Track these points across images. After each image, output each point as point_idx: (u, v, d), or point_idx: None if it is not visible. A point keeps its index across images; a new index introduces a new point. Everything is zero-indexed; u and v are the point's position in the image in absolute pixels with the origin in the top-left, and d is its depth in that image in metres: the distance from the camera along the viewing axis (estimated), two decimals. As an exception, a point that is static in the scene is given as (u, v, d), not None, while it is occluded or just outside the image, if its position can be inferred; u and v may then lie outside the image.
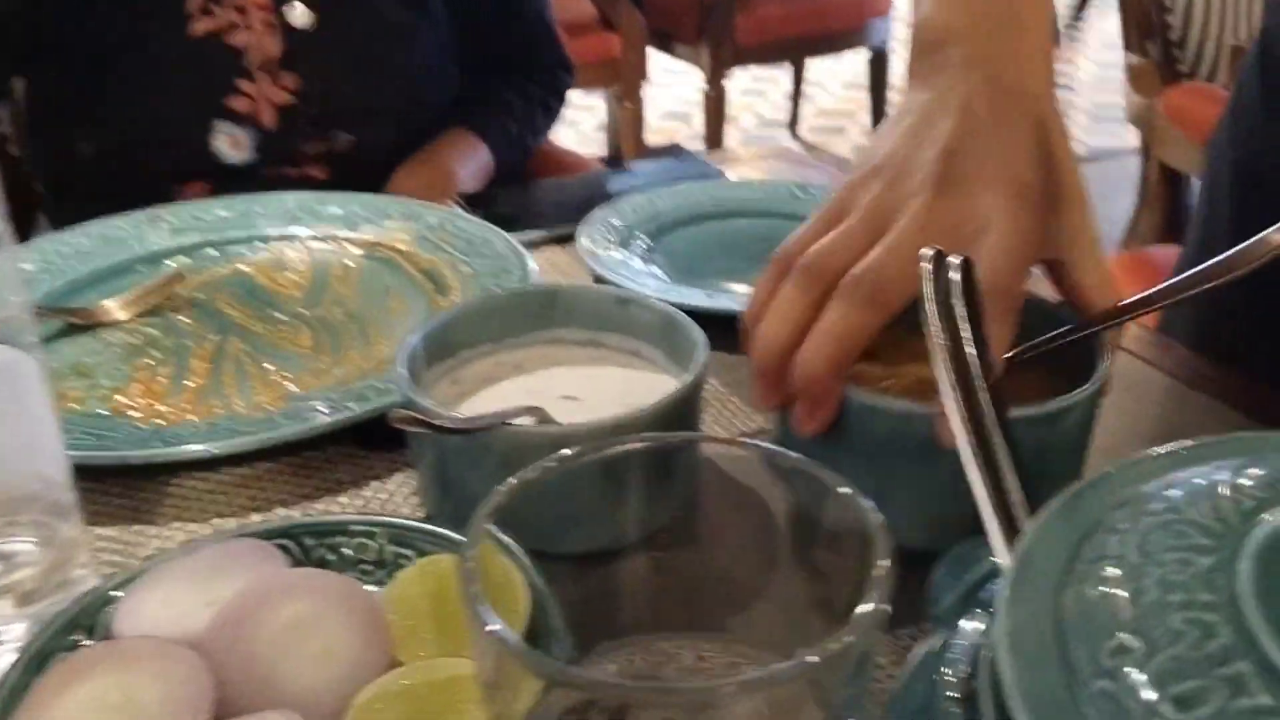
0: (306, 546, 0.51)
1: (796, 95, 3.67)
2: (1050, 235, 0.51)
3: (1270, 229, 0.50)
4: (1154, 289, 0.52)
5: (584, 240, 0.78)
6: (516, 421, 0.52)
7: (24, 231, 1.16)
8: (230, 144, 1.04)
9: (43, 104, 1.11)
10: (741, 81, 3.92)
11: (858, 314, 0.47)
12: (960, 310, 0.42)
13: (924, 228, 0.48)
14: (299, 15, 1.03)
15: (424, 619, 0.46)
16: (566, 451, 0.37)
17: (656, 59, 3.13)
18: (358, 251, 0.81)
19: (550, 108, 1.26)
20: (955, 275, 0.42)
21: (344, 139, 1.06)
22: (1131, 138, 3.49)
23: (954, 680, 0.36)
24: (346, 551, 0.51)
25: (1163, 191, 1.67)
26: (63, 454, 0.49)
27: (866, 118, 3.46)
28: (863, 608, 0.29)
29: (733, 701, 0.27)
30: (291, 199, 0.86)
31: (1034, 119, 0.52)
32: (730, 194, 0.87)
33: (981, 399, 0.40)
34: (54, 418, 0.49)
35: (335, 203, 0.85)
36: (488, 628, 0.28)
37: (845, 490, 0.34)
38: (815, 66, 3.75)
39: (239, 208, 0.85)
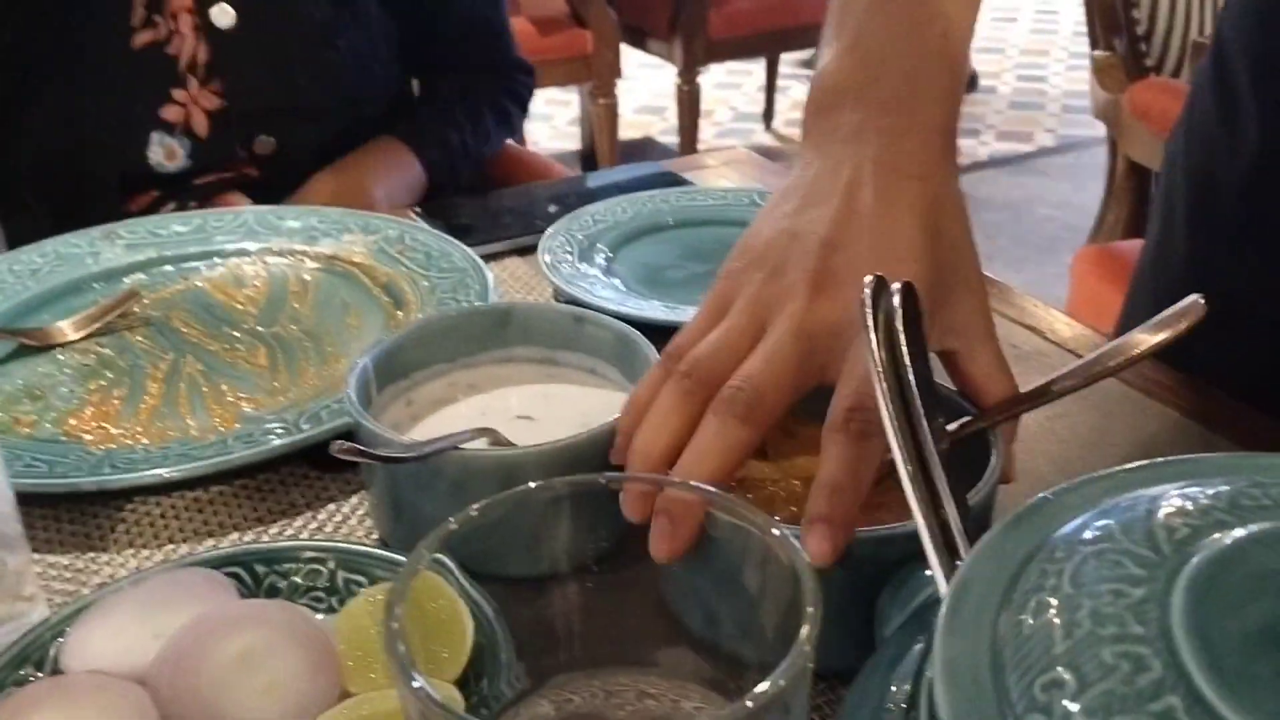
0: (258, 574, 0.51)
1: (770, 89, 3.68)
2: (940, 327, 0.49)
3: (1139, 328, 0.50)
4: (1044, 381, 0.51)
5: (544, 255, 0.77)
6: (468, 445, 0.52)
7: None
8: (165, 154, 1.03)
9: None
10: (716, 76, 3.92)
11: (734, 430, 0.45)
12: (899, 338, 0.42)
13: (799, 333, 0.47)
14: (221, 15, 1.02)
15: (374, 649, 0.46)
16: (499, 497, 0.37)
17: (630, 55, 3.13)
18: (315, 265, 0.80)
19: (508, 113, 1.22)
20: (896, 300, 0.42)
21: (268, 142, 1.05)
22: (1104, 128, 3.52)
23: (894, 710, 0.36)
24: (297, 579, 0.51)
25: (1129, 185, 1.68)
26: (7, 487, 0.48)
27: (840, 111, 3.46)
28: (788, 660, 0.28)
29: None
30: (250, 213, 0.85)
31: (926, 203, 0.50)
32: (691, 203, 0.87)
33: (921, 428, 0.40)
34: None
35: (293, 216, 0.85)
36: (414, 684, 0.28)
37: (776, 532, 0.34)
38: (789, 60, 3.75)
39: (195, 223, 0.84)
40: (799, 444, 0.52)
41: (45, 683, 0.45)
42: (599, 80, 2.91)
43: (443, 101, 1.17)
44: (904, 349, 0.41)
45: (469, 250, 0.78)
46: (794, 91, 3.90)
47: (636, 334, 0.58)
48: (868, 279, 0.42)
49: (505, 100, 1.21)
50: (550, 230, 0.81)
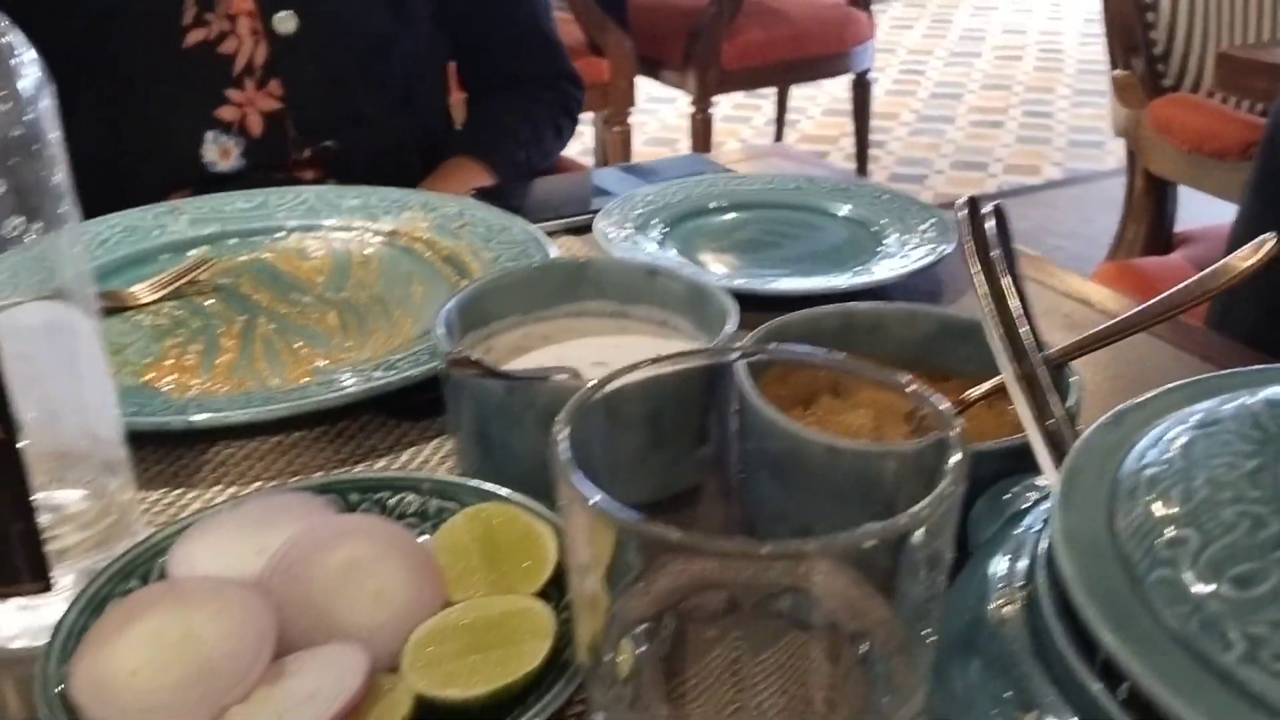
0: (351, 503, 0.52)
1: (780, 120, 3.72)
2: None
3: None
4: (1129, 314, 0.52)
5: (601, 225, 0.79)
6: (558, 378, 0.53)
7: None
8: (219, 153, 1.05)
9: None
10: (723, 109, 3.97)
11: None
12: (996, 254, 0.44)
13: None
14: (284, 21, 1.04)
15: (474, 562, 0.47)
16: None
17: (642, 85, 3.17)
18: (378, 240, 0.82)
19: (561, 129, 1.24)
20: (991, 223, 0.44)
21: (329, 146, 1.07)
22: (1110, 160, 3.55)
23: (1008, 588, 0.37)
24: (390, 505, 0.52)
25: (1148, 204, 1.71)
26: (116, 412, 0.50)
27: (849, 143, 3.50)
28: (943, 483, 0.30)
29: (825, 561, 0.29)
30: (310, 192, 0.88)
31: None
32: (739, 187, 0.89)
33: (1023, 334, 0.42)
34: (109, 377, 0.49)
35: (352, 195, 0.87)
36: (591, 501, 0.29)
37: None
38: (798, 92, 3.80)
39: (258, 200, 0.86)
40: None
41: (160, 585, 0.46)
42: (614, 108, 2.95)
43: (503, 121, 1.19)
44: (1001, 267, 0.43)
45: (528, 224, 0.80)
46: (803, 125, 3.95)
47: (711, 285, 0.60)
48: (961, 201, 0.44)
49: (560, 114, 1.23)
50: (605, 209, 0.83)
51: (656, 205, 0.85)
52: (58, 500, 0.48)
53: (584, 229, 0.84)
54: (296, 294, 0.75)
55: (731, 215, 0.86)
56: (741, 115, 4.12)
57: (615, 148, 3.02)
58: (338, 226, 0.84)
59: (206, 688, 0.41)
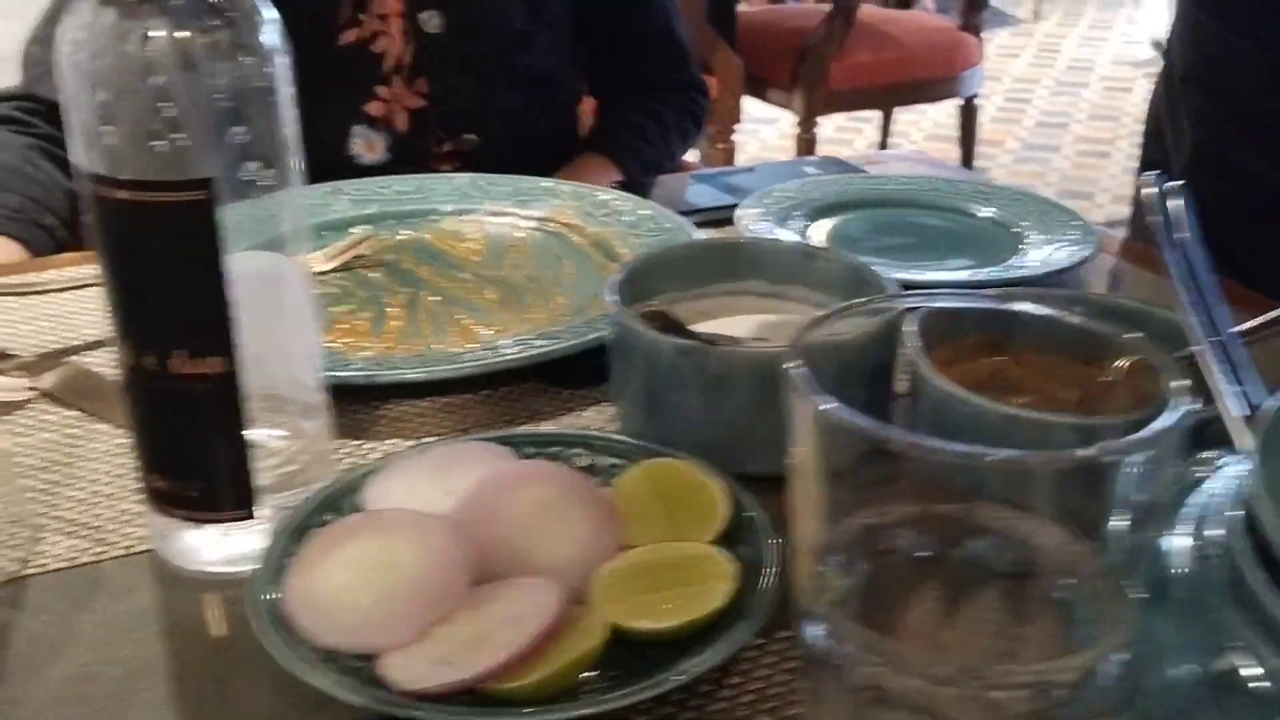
0: (526, 454, 0.55)
1: (884, 143, 3.71)
2: None
3: None
4: None
5: (743, 221, 0.81)
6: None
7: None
8: (365, 147, 1.09)
9: None
10: (826, 130, 3.97)
11: None
12: (1185, 233, 0.45)
13: None
14: (430, 20, 1.08)
15: (650, 511, 0.49)
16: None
17: (745, 104, 3.19)
18: (529, 224, 0.85)
19: (687, 133, 1.27)
20: (1177, 201, 0.45)
21: (470, 140, 1.11)
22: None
23: (1198, 545, 0.38)
24: (562, 460, 0.54)
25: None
26: (319, 360, 0.53)
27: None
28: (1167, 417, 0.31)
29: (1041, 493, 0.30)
30: (463, 178, 0.91)
31: None
32: (878, 186, 0.91)
33: (1212, 303, 0.43)
34: (315, 327, 0.52)
35: (503, 182, 0.90)
36: (822, 406, 0.31)
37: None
38: (902, 116, 3.79)
39: (414, 184, 0.90)
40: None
41: (361, 515, 0.49)
42: (720, 125, 2.97)
43: (632, 121, 1.22)
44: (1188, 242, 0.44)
45: (674, 214, 0.83)
46: (905, 149, 3.93)
47: (869, 267, 0.62)
48: (1147, 176, 0.45)
49: (686, 118, 1.26)
50: (745, 201, 0.85)
51: (796, 199, 0.87)
52: (259, 439, 0.52)
53: (722, 222, 0.86)
54: (455, 271, 0.78)
55: (870, 212, 0.87)
56: (844, 137, 4.12)
57: (717, 164, 3.04)
58: (490, 211, 0.87)
59: (411, 606, 0.44)
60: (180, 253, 0.45)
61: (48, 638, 0.47)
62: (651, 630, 0.43)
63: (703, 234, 0.79)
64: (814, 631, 0.33)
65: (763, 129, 4.01)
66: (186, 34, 0.42)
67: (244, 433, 0.48)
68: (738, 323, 0.64)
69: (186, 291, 0.45)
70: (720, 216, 0.88)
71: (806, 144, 3.14)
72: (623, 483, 0.51)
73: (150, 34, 0.42)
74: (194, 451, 0.48)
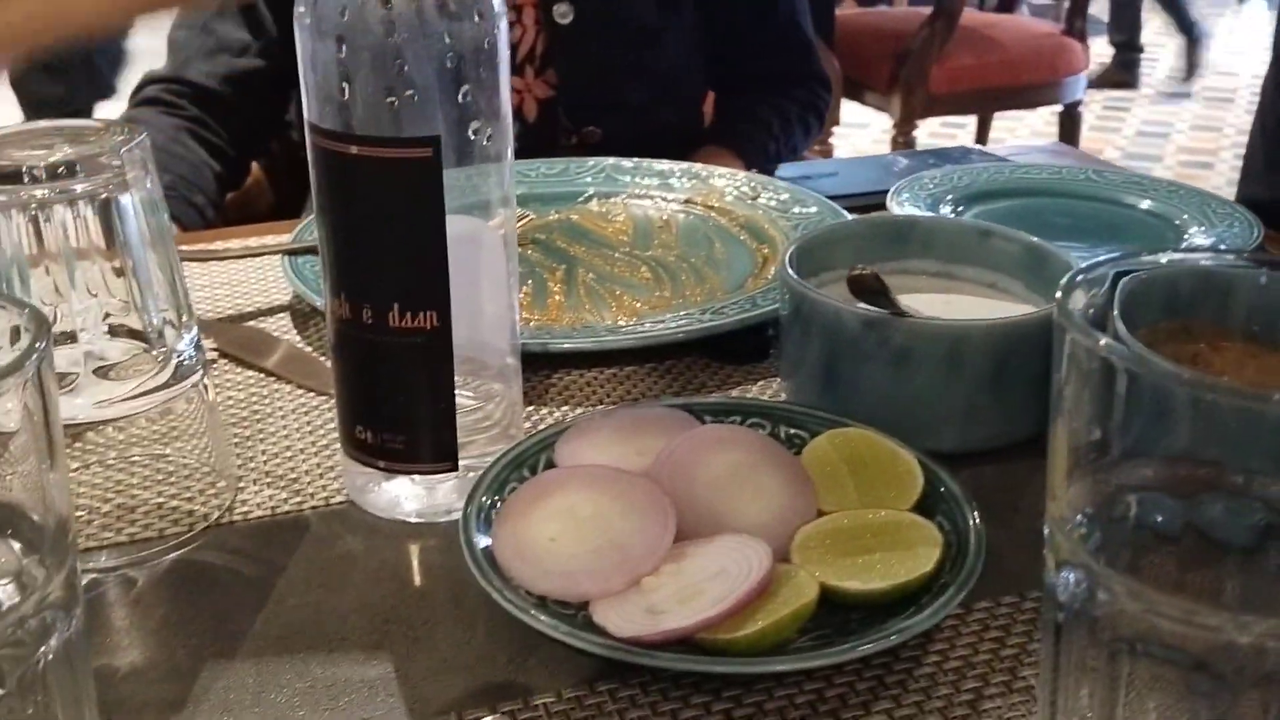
0: (706, 423, 0.55)
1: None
2: None
3: None
4: None
5: (895, 206, 0.81)
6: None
7: (300, 201, 1.27)
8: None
9: None
10: (920, 134, 3.93)
11: None
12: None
13: None
14: (564, 13, 1.09)
15: (843, 478, 0.50)
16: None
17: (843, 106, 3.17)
18: (674, 206, 0.86)
19: (809, 127, 1.27)
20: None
21: (594, 132, 1.12)
22: None
23: None
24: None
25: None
26: (515, 326, 0.54)
27: (1051, 175, 3.43)
28: None
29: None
30: (606, 161, 0.92)
31: None
32: (1029, 174, 0.90)
33: None
34: (514, 293, 0.53)
35: (647, 166, 0.91)
36: (1101, 341, 0.31)
37: None
38: (998, 122, 3.73)
39: (559, 167, 0.92)
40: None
41: (563, 470, 0.50)
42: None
43: (756, 114, 1.22)
44: None
45: (822, 198, 0.83)
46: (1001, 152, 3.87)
47: (1050, 246, 0.61)
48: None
49: (809, 112, 1.26)
50: (895, 188, 0.85)
51: (945, 187, 0.86)
52: (459, 397, 0.53)
53: (869, 208, 0.86)
54: (607, 250, 0.79)
55: (1022, 201, 0.87)
56: (939, 142, 4.08)
57: (814, 167, 3.03)
58: (635, 194, 0.88)
59: (621, 557, 0.44)
60: (404, 209, 0.46)
61: (259, 581, 0.49)
62: (862, 591, 0.43)
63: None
64: (1068, 582, 0.33)
65: (854, 133, 3.99)
66: (422, -6, 0.44)
67: (450, 389, 0.50)
68: (909, 300, 0.64)
69: (407, 247, 0.47)
70: (867, 203, 0.88)
71: (904, 147, 3.11)
72: (811, 451, 0.51)
73: (390, -6, 0.43)
74: (403, 404, 0.49)
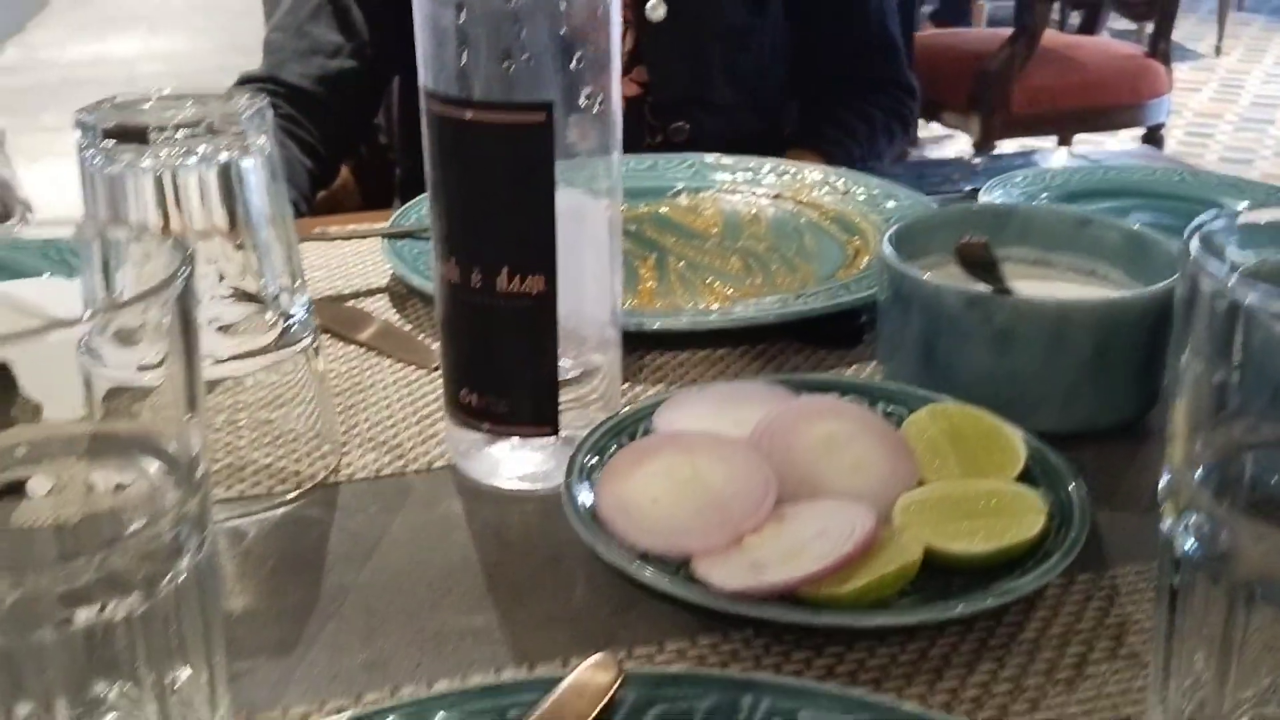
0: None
1: (1058, 173, 3.63)
2: None
3: None
4: None
5: (988, 195, 0.81)
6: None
7: (387, 200, 1.29)
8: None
9: (412, 100, 1.23)
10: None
11: None
12: None
13: None
14: (655, 9, 1.11)
15: (944, 450, 0.49)
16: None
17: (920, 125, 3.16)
18: (763, 200, 0.87)
19: (894, 134, 1.26)
20: None
21: (680, 129, 1.13)
22: None
23: None
24: (843, 403, 0.55)
25: None
26: (617, 300, 0.54)
27: (1132, 198, 3.37)
28: None
29: None
30: (694, 157, 0.93)
31: None
32: (1119, 175, 0.89)
33: None
34: (618, 263, 0.54)
35: (735, 161, 0.92)
36: (1230, 283, 0.30)
37: None
38: (1079, 144, 3.69)
39: (648, 162, 0.93)
40: None
41: (661, 435, 0.51)
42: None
43: (840, 118, 1.22)
44: None
45: (913, 192, 0.83)
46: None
47: (1151, 233, 0.61)
48: None
49: (893, 119, 1.25)
50: (987, 185, 0.84)
51: (1038, 185, 0.86)
52: (561, 366, 0.54)
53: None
54: (698, 241, 0.80)
55: (1116, 202, 0.86)
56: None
57: (890, 187, 3.02)
58: (724, 188, 0.89)
59: (723, 517, 0.45)
60: (516, 173, 0.47)
61: (365, 536, 0.50)
62: (967, 554, 0.43)
63: (947, 211, 0.79)
64: (1189, 527, 0.33)
65: (931, 152, 3.96)
66: (540, -38, 0.45)
67: (554, 354, 0.50)
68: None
69: (518, 211, 0.48)
70: (957, 199, 0.87)
71: (982, 168, 3.08)
72: (912, 424, 0.51)
73: (510, -40, 0.45)
74: (507, 367, 0.50)
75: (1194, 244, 0.32)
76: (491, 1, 0.45)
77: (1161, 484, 0.34)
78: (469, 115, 0.46)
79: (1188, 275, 0.32)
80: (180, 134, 0.47)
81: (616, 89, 0.49)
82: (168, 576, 0.34)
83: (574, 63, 0.47)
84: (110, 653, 0.34)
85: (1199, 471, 0.32)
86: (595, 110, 0.48)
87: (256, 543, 0.50)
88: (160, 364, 0.33)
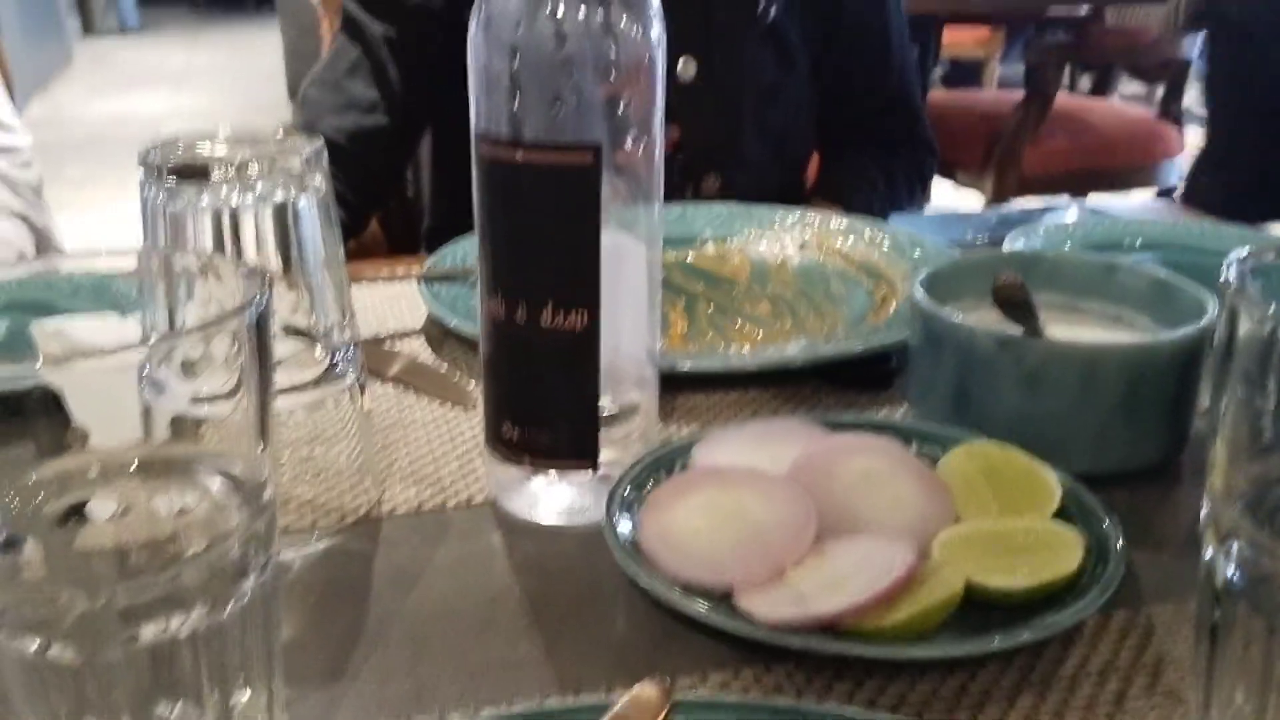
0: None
1: (1070, 233, 3.65)
2: None
3: None
4: None
5: (1011, 246, 0.82)
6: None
7: (414, 250, 1.32)
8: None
9: (443, 154, 1.26)
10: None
11: None
12: None
13: None
14: (685, 68, 1.13)
15: (980, 488, 0.50)
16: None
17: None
18: (791, 248, 0.88)
19: (914, 189, 1.29)
20: None
21: (713, 182, 1.15)
22: None
23: None
24: (877, 443, 0.56)
25: None
26: (655, 339, 0.55)
27: (1145, 258, 3.39)
28: None
29: None
30: (721, 206, 0.95)
31: None
32: (1141, 228, 0.90)
33: None
34: (657, 303, 0.55)
35: (762, 210, 0.94)
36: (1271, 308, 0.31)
37: None
38: (1091, 203, 3.72)
39: (677, 211, 0.94)
40: None
41: (703, 470, 0.52)
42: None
43: (863, 171, 1.24)
44: None
45: (939, 241, 0.84)
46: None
47: (1179, 280, 0.62)
48: None
49: (913, 176, 1.28)
50: (1011, 235, 0.86)
51: (1060, 236, 0.87)
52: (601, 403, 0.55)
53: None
54: (726, 286, 0.82)
55: (1138, 254, 0.87)
56: (1026, 226, 4.07)
57: (904, 245, 3.04)
58: (751, 237, 0.90)
59: (765, 549, 0.46)
60: (564, 212, 0.49)
61: (408, 567, 0.51)
62: (1006, 588, 0.44)
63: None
64: (1231, 555, 0.33)
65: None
66: (589, 9, 0.47)
67: (596, 389, 0.52)
68: (1030, 334, 0.64)
69: (564, 249, 0.49)
70: (973, 247, 0.89)
71: (995, 227, 3.11)
72: (948, 462, 0.52)
73: (560, 8, 0.47)
74: (550, 401, 0.51)
75: (1234, 272, 0.33)
76: (544, 48, 0.47)
77: (1203, 513, 0.35)
78: (519, 157, 0.48)
79: (1228, 304, 0.33)
80: (239, 173, 0.49)
81: (659, 133, 0.51)
82: (234, 596, 0.35)
83: (621, 107, 0.48)
84: (175, 672, 0.35)
85: (1240, 501, 0.33)
86: (640, 154, 0.50)
87: (302, 574, 0.51)
88: (235, 389, 0.34)
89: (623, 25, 0.47)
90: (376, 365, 0.70)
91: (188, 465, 0.35)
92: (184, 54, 6.95)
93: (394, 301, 0.81)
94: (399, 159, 1.24)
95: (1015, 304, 0.58)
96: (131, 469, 0.35)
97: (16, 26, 5.43)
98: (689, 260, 0.87)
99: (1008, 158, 2.99)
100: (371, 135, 1.13)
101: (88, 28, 7.40)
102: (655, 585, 0.44)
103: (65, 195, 3.80)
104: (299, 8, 4.54)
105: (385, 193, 1.26)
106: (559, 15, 0.47)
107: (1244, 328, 0.32)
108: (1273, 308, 0.31)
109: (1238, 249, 0.35)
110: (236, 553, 0.34)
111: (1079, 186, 3.35)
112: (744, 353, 0.69)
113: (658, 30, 0.49)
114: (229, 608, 0.35)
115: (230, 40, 7.42)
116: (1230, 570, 0.34)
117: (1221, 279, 0.33)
